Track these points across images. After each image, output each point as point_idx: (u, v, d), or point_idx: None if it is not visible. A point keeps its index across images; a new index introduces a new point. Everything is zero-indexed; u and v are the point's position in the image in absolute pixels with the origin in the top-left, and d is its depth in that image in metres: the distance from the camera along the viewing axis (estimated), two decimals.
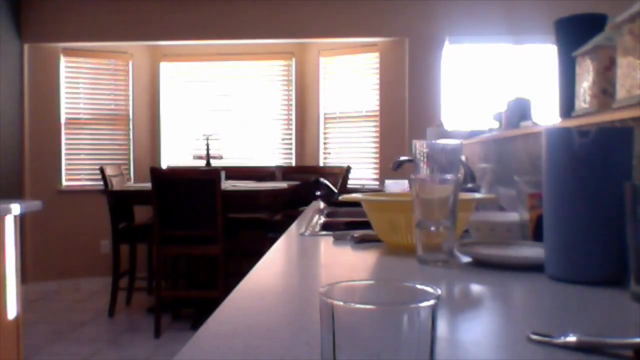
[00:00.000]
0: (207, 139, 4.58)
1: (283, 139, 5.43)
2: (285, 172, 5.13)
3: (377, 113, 5.09)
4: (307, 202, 2.48)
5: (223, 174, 3.78)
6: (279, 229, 3.20)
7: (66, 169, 5.30)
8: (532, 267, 0.90)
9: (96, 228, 5.15)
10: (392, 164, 2.19)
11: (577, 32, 1.41)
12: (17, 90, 5.06)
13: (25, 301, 2.99)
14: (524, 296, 0.81)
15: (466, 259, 1.01)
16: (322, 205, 2.15)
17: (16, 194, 4.97)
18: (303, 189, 4.14)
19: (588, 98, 1.32)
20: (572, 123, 1.30)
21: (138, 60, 5.43)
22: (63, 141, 5.26)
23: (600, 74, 1.27)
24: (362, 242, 1.21)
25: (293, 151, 5.41)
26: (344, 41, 5.16)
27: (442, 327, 0.61)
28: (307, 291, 0.80)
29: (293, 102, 5.40)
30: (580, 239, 0.80)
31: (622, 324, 0.64)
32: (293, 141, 5.41)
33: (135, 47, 5.37)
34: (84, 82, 5.34)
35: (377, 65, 5.08)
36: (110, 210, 4.23)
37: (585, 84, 1.34)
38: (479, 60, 4.91)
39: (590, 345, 0.53)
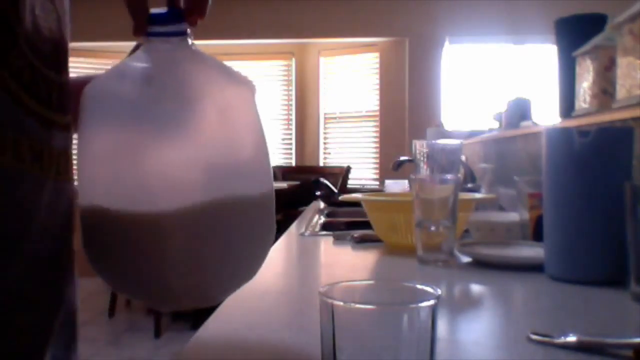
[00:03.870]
0: None
1: (283, 139, 5.43)
2: (285, 172, 5.12)
3: (377, 113, 5.08)
4: (307, 202, 2.48)
5: None
6: (279, 229, 3.20)
7: None
8: (532, 267, 0.90)
9: None
10: (392, 164, 2.19)
11: (577, 32, 1.42)
12: None
13: None
14: (524, 296, 0.81)
15: (466, 259, 1.01)
16: (322, 205, 2.15)
17: None
18: (303, 189, 4.14)
19: (588, 98, 1.32)
20: (572, 123, 1.30)
21: None
22: None
23: (600, 74, 1.27)
24: (362, 242, 1.21)
25: (293, 151, 5.41)
26: (344, 41, 5.15)
27: (442, 327, 0.61)
28: (307, 291, 0.80)
29: (293, 102, 5.40)
30: (580, 239, 0.80)
31: (622, 324, 0.65)
32: (293, 141, 5.41)
33: None
34: None
35: (377, 66, 5.08)
36: None
37: (585, 84, 1.34)
38: (479, 60, 4.91)
39: (590, 345, 0.53)
